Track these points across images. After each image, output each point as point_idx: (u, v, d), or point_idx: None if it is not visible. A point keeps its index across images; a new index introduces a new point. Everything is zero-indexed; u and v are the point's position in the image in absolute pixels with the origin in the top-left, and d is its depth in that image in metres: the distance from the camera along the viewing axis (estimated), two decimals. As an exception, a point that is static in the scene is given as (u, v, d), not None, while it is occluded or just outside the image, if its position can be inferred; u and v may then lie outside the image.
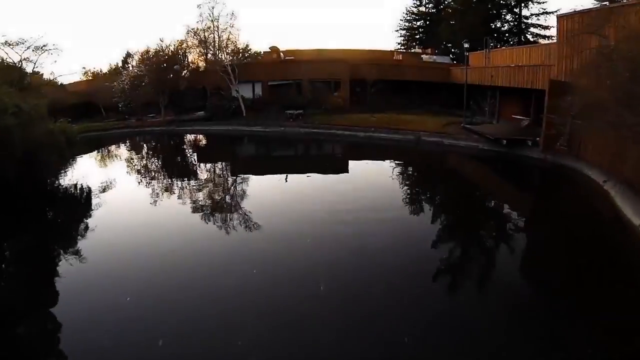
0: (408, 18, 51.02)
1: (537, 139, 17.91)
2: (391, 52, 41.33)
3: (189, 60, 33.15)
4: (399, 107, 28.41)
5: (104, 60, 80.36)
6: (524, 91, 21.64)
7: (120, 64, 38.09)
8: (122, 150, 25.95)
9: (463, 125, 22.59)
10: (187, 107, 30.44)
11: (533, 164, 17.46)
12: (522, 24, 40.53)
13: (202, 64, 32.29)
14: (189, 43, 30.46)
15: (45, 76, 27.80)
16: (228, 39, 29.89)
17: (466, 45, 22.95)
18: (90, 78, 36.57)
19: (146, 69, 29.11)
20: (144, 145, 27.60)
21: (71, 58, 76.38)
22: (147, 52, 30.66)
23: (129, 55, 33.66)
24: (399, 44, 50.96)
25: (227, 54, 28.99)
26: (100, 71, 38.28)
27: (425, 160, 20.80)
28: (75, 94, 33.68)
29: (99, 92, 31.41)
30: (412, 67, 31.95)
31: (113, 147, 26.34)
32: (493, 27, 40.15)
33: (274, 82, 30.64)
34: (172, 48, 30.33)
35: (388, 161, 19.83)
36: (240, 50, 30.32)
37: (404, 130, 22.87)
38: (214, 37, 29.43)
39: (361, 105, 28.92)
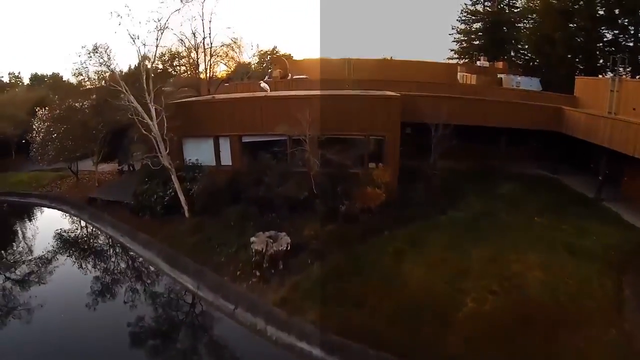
0: (464, 18, 38.73)
1: None
2: (452, 65, 29.01)
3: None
4: (482, 180, 16.73)
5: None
6: None
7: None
8: None
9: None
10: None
11: None
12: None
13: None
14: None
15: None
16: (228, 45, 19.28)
17: None
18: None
19: (64, 110, 19.39)
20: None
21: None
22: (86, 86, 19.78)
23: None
24: (452, 51, 38.67)
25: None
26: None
27: None
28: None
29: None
30: (502, 105, 18.94)
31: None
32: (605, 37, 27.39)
33: (254, 137, 16.28)
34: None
35: None
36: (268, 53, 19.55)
37: None
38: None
39: (418, 182, 16.18)
